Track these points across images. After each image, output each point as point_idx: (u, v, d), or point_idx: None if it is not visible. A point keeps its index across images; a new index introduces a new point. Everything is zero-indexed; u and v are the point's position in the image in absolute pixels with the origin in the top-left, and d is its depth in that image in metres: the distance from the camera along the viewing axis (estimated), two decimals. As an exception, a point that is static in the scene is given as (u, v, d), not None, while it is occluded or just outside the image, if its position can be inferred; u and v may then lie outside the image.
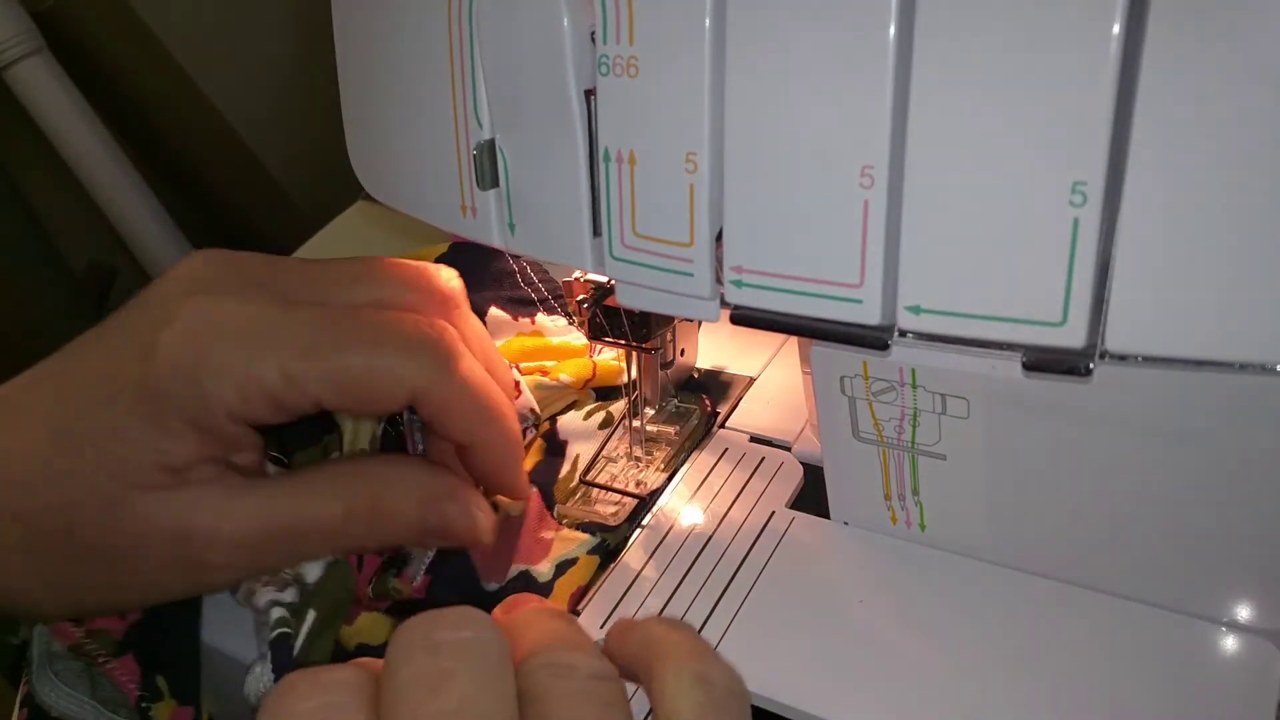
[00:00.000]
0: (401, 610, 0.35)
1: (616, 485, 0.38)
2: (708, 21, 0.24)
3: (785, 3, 0.23)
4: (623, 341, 0.37)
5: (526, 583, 0.35)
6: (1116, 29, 0.19)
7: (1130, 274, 0.21)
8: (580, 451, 0.40)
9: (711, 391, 0.42)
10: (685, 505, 0.37)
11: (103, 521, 0.29)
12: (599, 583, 0.34)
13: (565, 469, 0.39)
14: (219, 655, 0.35)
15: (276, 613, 0.30)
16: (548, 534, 0.36)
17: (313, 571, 0.32)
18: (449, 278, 0.34)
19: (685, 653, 0.25)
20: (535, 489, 0.38)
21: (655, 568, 0.34)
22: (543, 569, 0.35)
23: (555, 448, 0.40)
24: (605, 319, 0.37)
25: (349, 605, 0.33)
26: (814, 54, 0.23)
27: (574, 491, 0.38)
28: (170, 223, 1.00)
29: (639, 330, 0.37)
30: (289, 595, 0.31)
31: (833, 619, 0.31)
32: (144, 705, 0.33)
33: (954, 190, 0.22)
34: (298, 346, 0.29)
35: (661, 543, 0.35)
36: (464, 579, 0.35)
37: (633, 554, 0.35)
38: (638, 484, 0.38)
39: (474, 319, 0.35)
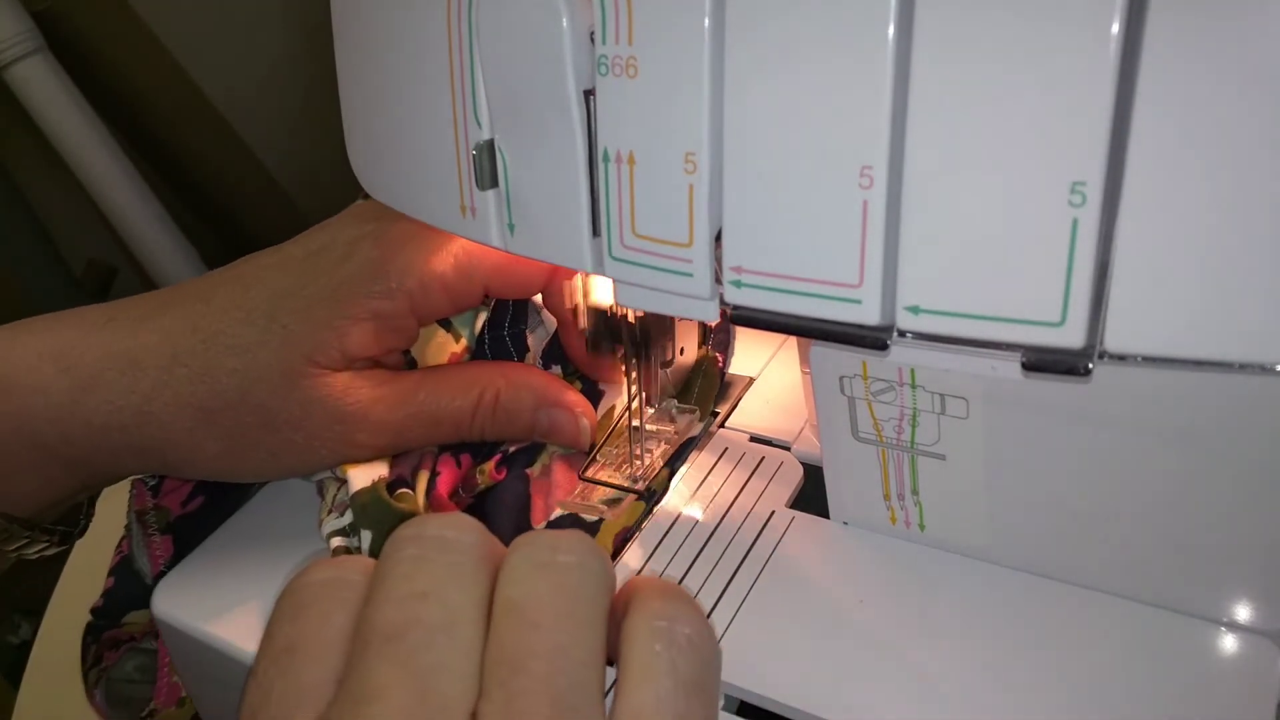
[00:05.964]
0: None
1: (615, 482, 0.38)
2: (707, 22, 0.24)
3: (784, 3, 0.23)
4: (622, 350, 0.37)
5: (574, 522, 0.36)
6: (1116, 28, 0.19)
7: (1130, 274, 0.21)
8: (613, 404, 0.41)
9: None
10: (685, 505, 0.37)
11: (275, 391, 0.34)
12: (641, 529, 0.35)
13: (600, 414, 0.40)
14: (176, 633, 0.36)
15: (335, 542, 0.35)
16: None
17: (356, 482, 0.35)
18: None
19: (653, 604, 0.25)
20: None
21: (655, 567, 0.34)
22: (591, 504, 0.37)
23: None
24: (606, 328, 0.37)
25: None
26: (813, 54, 0.23)
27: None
28: (170, 222, 1.00)
29: (640, 346, 0.37)
30: (347, 518, 0.35)
31: (833, 618, 0.31)
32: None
33: (953, 190, 0.22)
34: (464, 247, 0.36)
35: (661, 542, 0.35)
36: (516, 508, 0.38)
37: (632, 554, 0.35)
38: (637, 483, 0.38)
39: None
